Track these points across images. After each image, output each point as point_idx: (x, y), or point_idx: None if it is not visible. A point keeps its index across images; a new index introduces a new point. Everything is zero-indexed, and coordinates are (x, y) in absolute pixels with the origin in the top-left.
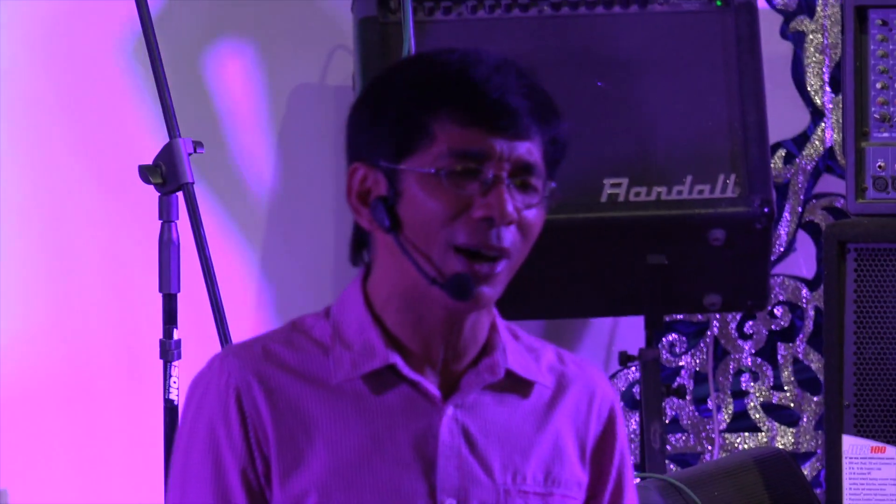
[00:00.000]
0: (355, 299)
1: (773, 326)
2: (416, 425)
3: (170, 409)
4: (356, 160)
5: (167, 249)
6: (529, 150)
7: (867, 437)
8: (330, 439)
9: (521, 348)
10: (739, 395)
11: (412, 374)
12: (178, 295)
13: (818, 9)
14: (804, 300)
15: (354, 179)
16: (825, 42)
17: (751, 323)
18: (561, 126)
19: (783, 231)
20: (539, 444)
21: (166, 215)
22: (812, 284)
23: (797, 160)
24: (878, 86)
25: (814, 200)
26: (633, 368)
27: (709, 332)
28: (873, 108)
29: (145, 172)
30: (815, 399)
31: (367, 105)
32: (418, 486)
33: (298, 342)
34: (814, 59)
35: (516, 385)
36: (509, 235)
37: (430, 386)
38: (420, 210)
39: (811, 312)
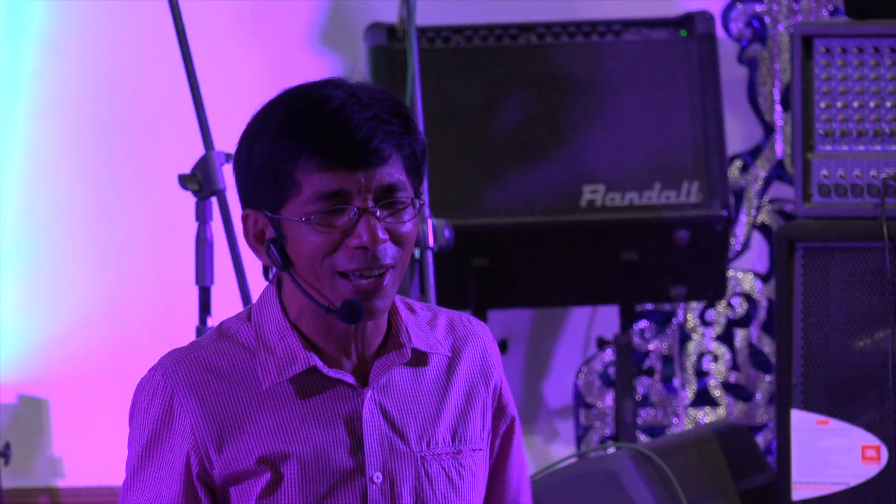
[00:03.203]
0: (273, 307)
1: (730, 315)
2: (343, 410)
3: None
4: (246, 207)
5: (202, 247)
6: (388, 172)
7: (813, 411)
8: (266, 428)
9: (420, 322)
10: (701, 374)
11: (331, 372)
12: (212, 287)
13: (769, 38)
14: (758, 292)
15: (248, 223)
16: (776, 67)
17: (711, 312)
18: (416, 137)
19: (739, 231)
20: (445, 408)
21: (202, 217)
22: (765, 278)
23: (751, 170)
24: (823, 105)
25: (766, 205)
26: (609, 351)
27: (675, 320)
28: (818, 125)
29: (184, 180)
30: (767, 378)
31: (243, 153)
32: (350, 462)
33: (226, 348)
34: (766, 81)
35: (419, 358)
36: (389, 251)
37: (349, 378)
38: (303, 249)
39: (764, 303)
